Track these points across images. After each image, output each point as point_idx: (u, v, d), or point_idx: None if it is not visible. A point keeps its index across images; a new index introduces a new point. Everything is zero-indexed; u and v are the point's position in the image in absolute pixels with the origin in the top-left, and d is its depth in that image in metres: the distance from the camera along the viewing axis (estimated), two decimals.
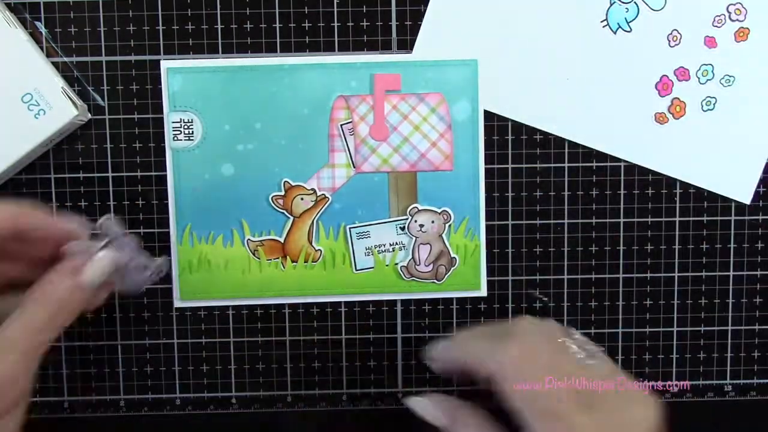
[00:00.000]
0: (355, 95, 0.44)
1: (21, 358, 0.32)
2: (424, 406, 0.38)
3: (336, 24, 0.44)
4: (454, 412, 0.37)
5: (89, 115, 0.44)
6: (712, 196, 0.46)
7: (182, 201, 0.45)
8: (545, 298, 0.46)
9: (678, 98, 0.45)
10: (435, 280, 0.45)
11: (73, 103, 0.42)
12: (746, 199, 0.46)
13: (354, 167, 0.45)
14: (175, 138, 0.44)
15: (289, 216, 0.45)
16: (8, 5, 0.43)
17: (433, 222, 0.45)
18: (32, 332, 0.33)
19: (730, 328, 0.47)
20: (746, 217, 0.46)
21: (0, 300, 0.36)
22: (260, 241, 0.45)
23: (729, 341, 0.47)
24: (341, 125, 0.44)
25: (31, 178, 0.45)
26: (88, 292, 0.36)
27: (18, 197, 0.45)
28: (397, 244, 0.45)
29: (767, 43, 0.44)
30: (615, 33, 0.44)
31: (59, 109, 0.42)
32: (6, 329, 0.33)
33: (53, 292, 0.34)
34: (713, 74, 0.45)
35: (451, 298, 0.46)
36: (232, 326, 0.46)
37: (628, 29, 0.44)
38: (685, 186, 0.46)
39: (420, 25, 0.44)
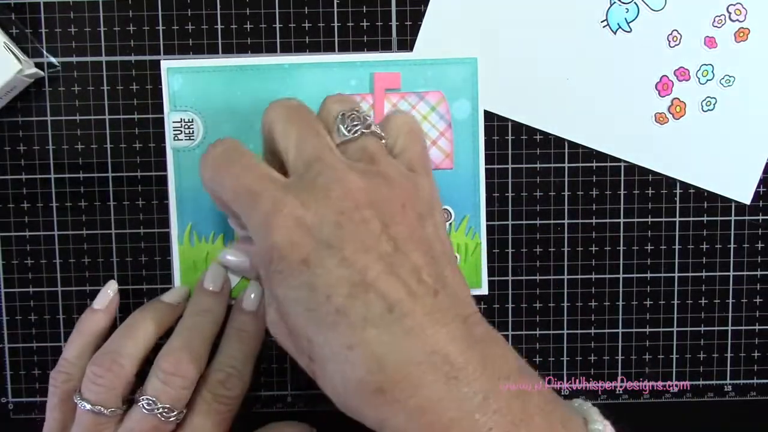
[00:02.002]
0: (354, 94, 0.44)
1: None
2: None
3: (336, 24, 0.44)
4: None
5: (42, 72, 0.44)
6: (712, 196, 0.46)
7: (183, 201, 0.45)
8: None
9: (678, 98, 0.45)
10: None
11: (17, 58, 0.41)
12: (746, 199, 0.46)
13: None
14: (176, 138, 0.44)
15: None
16: (8, 5, 0.43)
17: None
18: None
19: (730, 328, 0.47)
20: (746, 217, 0.46)
21: None
22: None
23: (729, 341, 0.47)
24: None
25: (31, 178, 0.45)
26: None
27: (17, 196, 0.45)
28: None
29: (767, 43, 0.44)
30: (615, 33, 0.44)
31: (1, 64, 0.41)
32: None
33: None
34: (713, 74, 0.45)
35: None
36: None
37: (628, 29, 0.44)
38: (685, 186, 0.46)
39: (420, 25, 0.44)
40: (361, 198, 0.32)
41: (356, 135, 0.35)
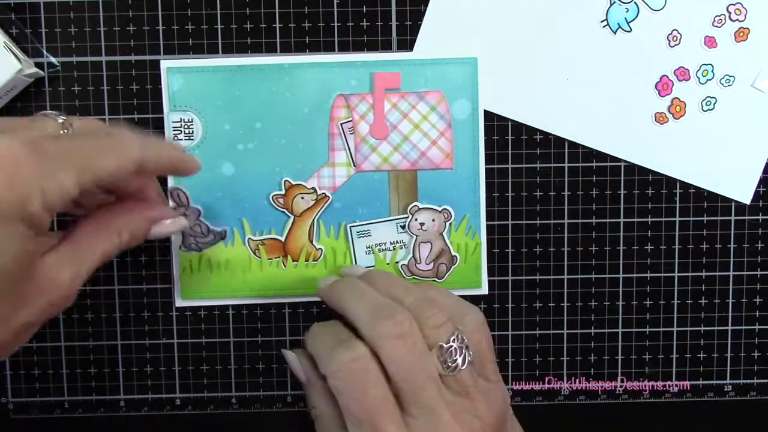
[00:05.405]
0: (354, 94, 0.44)
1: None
2: (291, 359, 0.39)
3: (336, 24, 0.44)
4: (310, 374, 0.37)
5: (42, 72, 0.44)
6: (712, 196, 0.46)
7: None
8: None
9: (678, 98, 0.45)
10: (436, 279, 0.45)
11: (17, 57, 0.41)
12: (746, 199, 0.46)
13: (354, 166, 0.45)
14: (176, 138, 0.44)
15: (289, 215, 0.45)
16: (8, 5, 0.43)
17: (433, 220, 0.45)
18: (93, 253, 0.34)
19: (730, 328, 0.47)
20: (746, 217, 0.46)
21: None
22: (261, 240, 0.45)
23: (729, 341, 0.47)
24: (341, 124, 0.44)
25: None
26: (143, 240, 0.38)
27: None
28: (397, 242, 0.45)
29: (767, 43, 0.44)
30: (615, 33, 0.44)
31: (1, 63, 0.41)
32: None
33: (127, 225, 0.36)
34: (713, 74, 0.45)
35: None
36: (232, 326, 0.46)
37: (628, 29, 0.44)
38: (685, 186, 0.46)
39: (420, 24, 0.44)
40: None
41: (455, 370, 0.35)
